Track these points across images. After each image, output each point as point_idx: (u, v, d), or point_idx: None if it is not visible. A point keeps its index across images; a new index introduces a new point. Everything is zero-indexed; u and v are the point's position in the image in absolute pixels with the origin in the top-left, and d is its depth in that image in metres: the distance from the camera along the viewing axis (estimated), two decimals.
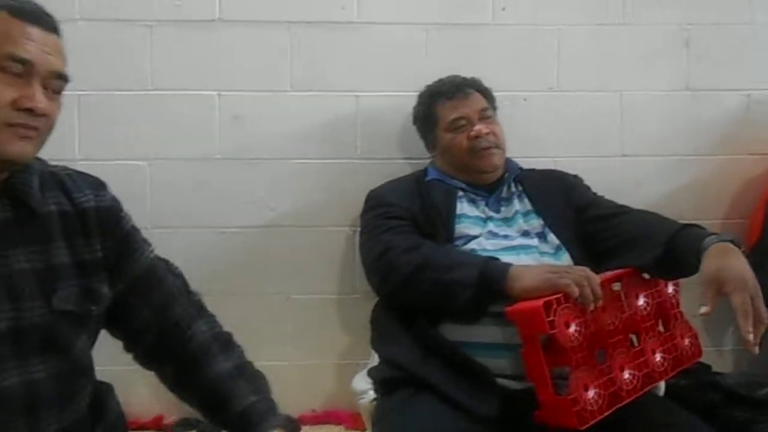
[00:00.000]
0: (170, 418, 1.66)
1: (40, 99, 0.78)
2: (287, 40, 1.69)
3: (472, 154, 1.40)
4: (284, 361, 1.72)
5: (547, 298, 1.03)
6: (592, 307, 1.06)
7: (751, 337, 0.98)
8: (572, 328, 1.04)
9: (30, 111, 0.78)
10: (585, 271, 1.10)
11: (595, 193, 1.46)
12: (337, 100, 1.71)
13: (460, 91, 1.47)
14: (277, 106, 1.70)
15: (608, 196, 1.45)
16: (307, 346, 1.73)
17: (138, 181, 1.67)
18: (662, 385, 1.28)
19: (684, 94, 1.78)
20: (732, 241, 1.09)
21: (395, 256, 1.22)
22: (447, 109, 1.45)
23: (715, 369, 1.59)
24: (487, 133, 1.41)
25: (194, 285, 1.02)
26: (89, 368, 0.89)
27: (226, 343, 0.97)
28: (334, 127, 1.71)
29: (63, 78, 0.82)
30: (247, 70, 1.69)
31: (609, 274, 1.15)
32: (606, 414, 1.04)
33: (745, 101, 1.80)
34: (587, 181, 1.51)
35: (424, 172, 1.49)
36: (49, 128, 0.83)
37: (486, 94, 1.51)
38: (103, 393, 0.92)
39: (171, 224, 1.67)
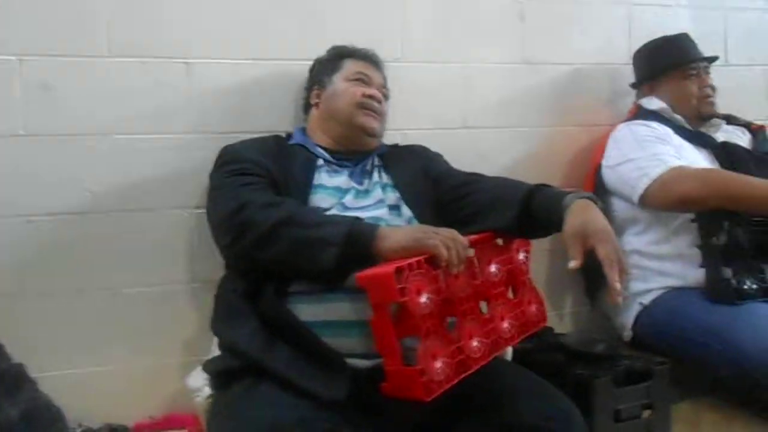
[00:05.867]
0: None
1: None
2: None
3: (360, 108, 1.38)
4: (115, 365, 1.52)
5: (398, 264, 0.99)
6: (455, 270, 1.04)
7: (618, 286, 1.01)
8: (424, 296, 1.00)
9: None
10: (453, 232, 1.07)
11: (452, 167, 1.47)
12: (164, 67, 1.53)
13: (374, 60, 1.48)
14: (93, 74, 1.48)
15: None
16: (142, 346, 1.54)
17: None
18: (509, 350, 1.30)
19: (520, 66, 1.83)
20: (590, 198, 1.13)
21: (253, 211, 1.12)
22: (357, 65, 1.44)
23: (556, 331, 1.66)
24: (380, 103, 1.41)
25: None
26: None
27: None
28: (163, 99, 1.53)
29: None
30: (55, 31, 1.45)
31: (470, 237, 1.13)
32: (453, 383, 1.02)
33: (573, 74, 1.89)
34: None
35: (288, 135, 1.43)
36: None
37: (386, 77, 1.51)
38: None
39: None
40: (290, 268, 1.12)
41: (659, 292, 1.62)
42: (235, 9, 1.57)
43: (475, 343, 1.08)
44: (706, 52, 1.81)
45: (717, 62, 1.82)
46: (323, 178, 1.30)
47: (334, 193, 1.29)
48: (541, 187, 1.19)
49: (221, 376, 1.09)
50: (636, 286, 1.66)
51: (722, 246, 1.50)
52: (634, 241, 1.68)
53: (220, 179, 1.27)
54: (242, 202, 1.14)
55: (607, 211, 1.69)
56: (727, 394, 1.56)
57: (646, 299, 1.64)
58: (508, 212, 1.18)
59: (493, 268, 1.17)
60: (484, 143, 1.79)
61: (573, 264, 1.04)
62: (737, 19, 2.09)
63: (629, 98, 1.89)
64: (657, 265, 1.64)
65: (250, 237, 1.11)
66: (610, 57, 1.93)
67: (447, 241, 1.04)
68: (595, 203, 1.12)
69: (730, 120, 1.81)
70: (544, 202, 1.15)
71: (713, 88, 1.76)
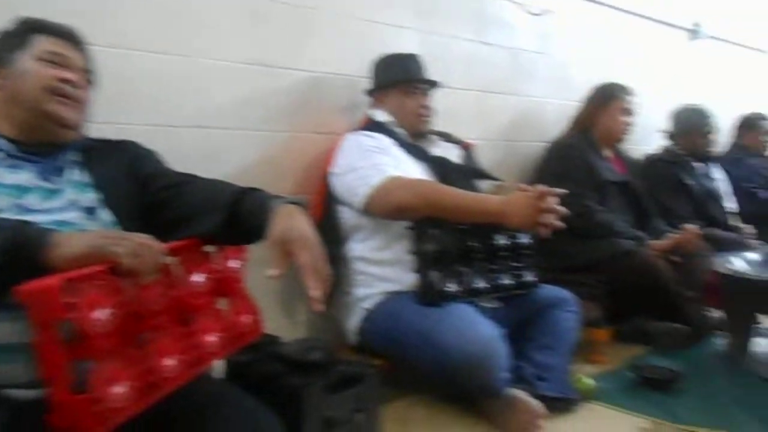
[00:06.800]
0: None
1: None
2: None
3: (51, 93, 1.15)
4: None
5: (68, 275, 0.85)
6: (146, 280, 0.94)
7: (315, 294, 0.99)
8: (100, 312, 0.87)
9: None
10: (145, 238, 0.96)
11: (166, 166, 1.33)
12: None
13: (73, 39, 1.23)
14: None
15: (180, 169, 1.32)
16: None
17: None
18: (221, 363, 1.22)
19: (256, 68, 1.78)
20: (297, 203, 1.09)
21: None
22: (51, 42, 1.19)
23: (290, 338, 1.63)
24: (79, 89, 1.20)
25: None
26: None
27: None
28: None
29: None
30: None
31: (171, 244, 1.03)
32: (140, 409, 0.91)
33: (310, 81, 1.90)
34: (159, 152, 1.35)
35: None
36: None
37: (91, 61, 1.27)
38: None
39: None
40: None
41: (380, 297, 1.70)
42: None
43: (168, 362, 0.98)
44: (432, 73, 1.95)
45: (438, 83, 1.97)
46: (1, 173, 1.09)
47: (12, 192, 1.08)
48: (251, 191, 1.14)
49: None
50: (360, 291, 1.72)
51: (431, 252, 1.62)
52: (359, 247, 1.74)
53: None
54: None
55: (335, 218, 1.73)
56: (438, 391, 1.70)
57: (369, 304, 1.70)
58: (215, 217, 1.10)
59: (197, 276, 1.08)
60: (215, 144, 1.70)
61: (271, 273, 1.00)
62: (456, 46, 2.32)
63: (365, 108, 1.96)
64: (379, 271, 1.71)
65: None
66: (346, 68, 1.98)
67: (136, 247, 0.94)
68: (303, 208, 1.09)
69: (448, 137, 1.98)
70: (252, 207, 1.09)
71: (429, 108, 1.91)
